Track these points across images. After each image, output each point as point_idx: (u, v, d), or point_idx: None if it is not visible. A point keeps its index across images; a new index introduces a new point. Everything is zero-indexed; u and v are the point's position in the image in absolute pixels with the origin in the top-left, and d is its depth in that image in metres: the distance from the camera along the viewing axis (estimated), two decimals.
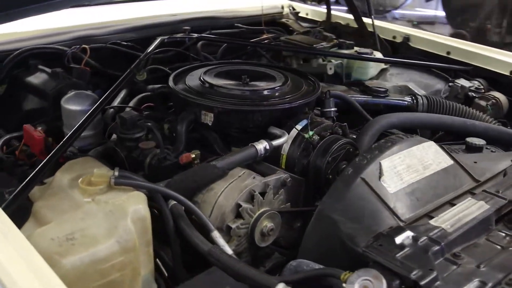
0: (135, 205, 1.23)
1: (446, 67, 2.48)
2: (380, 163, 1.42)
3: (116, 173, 1.30)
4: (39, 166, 1.38)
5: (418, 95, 2.15)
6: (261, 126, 1.70)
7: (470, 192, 1.46)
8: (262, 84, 1.87)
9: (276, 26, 2.99)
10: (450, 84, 2.36)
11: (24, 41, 2.11)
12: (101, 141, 1.81)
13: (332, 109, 1.90)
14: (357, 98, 2.05)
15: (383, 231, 1.24)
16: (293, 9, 3.34)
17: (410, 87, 2.43)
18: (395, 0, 7.36)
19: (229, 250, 1.28)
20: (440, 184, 1.48)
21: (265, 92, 1.80)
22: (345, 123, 1.70)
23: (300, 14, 3.33)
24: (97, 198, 1.26)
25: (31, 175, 1.35)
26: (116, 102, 1.98)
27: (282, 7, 3.17)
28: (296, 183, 1.55)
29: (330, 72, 2.47)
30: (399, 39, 2.84)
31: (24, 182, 1.33)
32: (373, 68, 2.60)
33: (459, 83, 2.37)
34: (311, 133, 1.62)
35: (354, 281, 1.07)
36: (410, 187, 1.42)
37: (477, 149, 1.82)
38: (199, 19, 2.67)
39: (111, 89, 1.73)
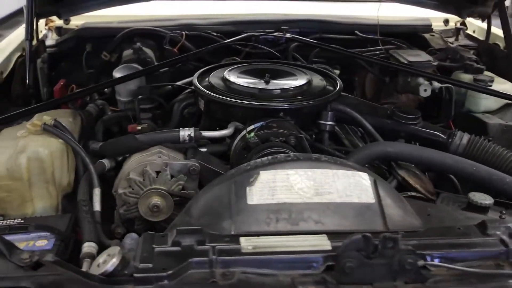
0: (36, 148, 1.51)
1: None
2: (259, 173, 1.35)
3: (52, 122, 1.61)
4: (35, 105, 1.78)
5: (457, 133, 1.78)
6: (242, 121, 1.75)
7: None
8: (280, 82, 1.89)
9: (411, 39, 2.75)
10: None
11: (137, 22, 2.58)
12: None
13: (328, 122, 1.77)
14: (371, 120, 1.83)
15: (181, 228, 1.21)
16: (464, 24, 3.00)
17: None
18: None
19: (96, 207, 1.45)
20: (330, 215, 1.30)
21: (255, 91, 1.82)
22: (301, 135, 1.61)
23: (468, 31, 2.98)
24: (26, 135, 1.58)
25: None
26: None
27: (430, 21, 2.88)
28: (216, 176, 1.57)
29: (425, 94, 2.23)
30: None
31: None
32: (489, 100, 2.23)
33: None
34: (252, 134, 1.61)
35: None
36: (277, 206, 1.30)
37: (481, 209, 1.47)
38: (308, 21, 2.69)
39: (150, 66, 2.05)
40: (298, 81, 1.91)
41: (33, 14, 2.09)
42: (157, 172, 1.53)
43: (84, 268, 1.19)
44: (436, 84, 2.24)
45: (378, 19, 2.57)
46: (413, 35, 2.79)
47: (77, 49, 2.54)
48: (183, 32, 2.50)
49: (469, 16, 2.80)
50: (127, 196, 1.52)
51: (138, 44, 2.41)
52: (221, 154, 1.71)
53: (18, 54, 2.20)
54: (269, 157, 1.39)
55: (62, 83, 2.06)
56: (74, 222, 1.39)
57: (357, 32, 2.67)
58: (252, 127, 1.64)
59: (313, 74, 2.04)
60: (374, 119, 1.83)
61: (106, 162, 1.64)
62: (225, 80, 1.89)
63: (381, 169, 1.77)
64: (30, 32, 2.09)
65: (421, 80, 2.24)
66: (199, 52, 2.26)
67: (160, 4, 2.77)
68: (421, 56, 2.37)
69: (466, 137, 1.75)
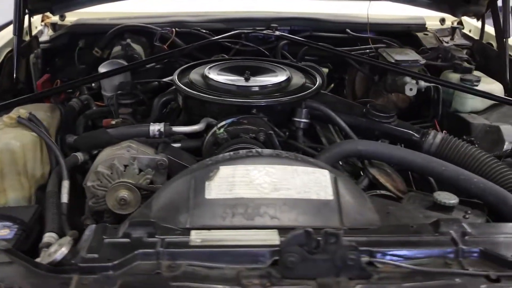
0: (8, 140, 1.55)
1: None
2: (219, 168, 1.37)
3: (26, 115, 1.64)
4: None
5: (430, 132, 1.77)
6: (217, 117, 1.77)
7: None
8: (259, 79, 1.91)
9: (404, 38, 2.74)
10: None
11: (129, 19, 2.61)
12: None
13: (302, 120, 1.78)
14: (346, 118, 1.83)
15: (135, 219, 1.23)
16: (461, 24, 2.97)
17: (502, 130, 1.99)
18: None
19: (64, 199, 1.48)
20: (286, 211, 1.31)
21: (232, 88, 1.84)
22: (271, 132, 1.62)
23: (464, 30, 2.94)
24: (2, 127, 1.62)
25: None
26: None
27: (424, 20, 2.86)
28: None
29: (410, 93, 2.22)
30: None
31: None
32: (475, 100, 2.21)
33: None
34: (222, 130, 1.62)
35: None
36: (234, 201, 1.32)
37: (445, 208, 1.46)
38: (299, 19, 2.69)
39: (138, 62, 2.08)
40: (278, 78, 1.92)
41: (21, 9, 2.13)
42: (126, 166, 1.55)
43: (40, 257, 1.22)
44: (423, 84, 2.22)
45: (368, 18, 2.56)
46: (406, 34, 2.77)
47: (70, 45, 2.59)
48: (174, 29, 2.53)
49: (463, 15, 2.78)
50: (95, 189, 1.55)
51: (128, 40, 2.45)
52: (196, 150, 1.72)
53: (9, 49, 2.25)
54: (231, 153, 1.40)
55: (46, 78, 2.10)
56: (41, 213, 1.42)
57: (348, 30, 2.66)
58: (223, 123, 1.66)
59: (296, 72, 2.04)
60: (349, 117, 1.82)
61: (80, 155, 1.68)
62: (204, 76, 1.91)
63: (357, 167, 1.78)
64: (18, 27, 2.13)
65: (407, 79, 2.23)
66: (185, 49, 2.29)
67: (153, 2, 2.81)
68: (409, 55, 2.35)
69: (439, 136, 1.74)
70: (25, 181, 1.59)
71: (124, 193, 1.52)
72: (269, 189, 1.34)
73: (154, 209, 1.33)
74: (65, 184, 1.51)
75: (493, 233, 1.23)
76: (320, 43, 2.43)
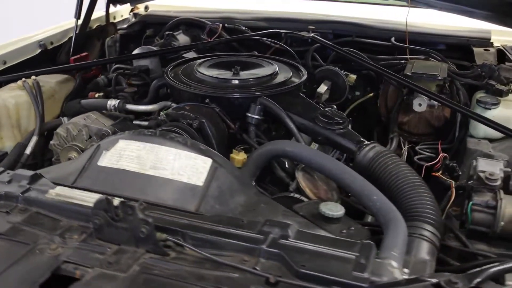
0: (6, 98, 1.94)
1: None
2: (118, 140, 1.54)
3: (31, 82, 2.01)
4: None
5: (368, 145, 1.68)
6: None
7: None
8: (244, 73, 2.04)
9: (459, 52, 2.52)
10: None
11: (189, 12, 2.88)
12: None
13: (255, 116, 1.84)
14: (299, 120, 1.82)
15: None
16: None
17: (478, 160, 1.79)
18: None
19: (27, 150, 1.81)
20: (154, 188, 1.44)
21: (214, 80, 1.97)
22: (203, 120, 1.73)
23: None
24: (13, 88, 2.01)
25: None
26: None
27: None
28: None
29: (419, 108, 2.13)
30: None
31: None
32: None
33: None
34: (163, 113, 1.79)
35: None
36: (117, 171, 1.48)
37: (328, 219, 1.42)
38: (342, 23, 2.64)
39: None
40: (262, 72, 2.00)
41: None
42: (79, 132, 1.82)
43: None
44: (434, 102, 2.08)
45: (406, 26, 2.42)
46: (461, 48, 2.53)
47: (141, 33, 2.96)
48: (220, 24, 2.72)
49: None
50: (55, 148, 1.85)
51: (180, 31, 2.74)
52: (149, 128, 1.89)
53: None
54: (136, 130, 1.56)
55: (79, 56, 2.46)
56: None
57: (393, 39, 2.54)
58: (173, 107, 1.82)
59: (288, 71, 2.09)
60: (302, 120, 1.81)
61: (65, 120, 1.99)
62: (192, 68, 2.08)
63: None
64: (79, 12, 2.54)
65: (419, 95, 2.10)
66: (209, 43, 2.48)
67: None
68: (432, 69, 2.19)
69: (375, 150, 1.63)
70: (18, 134, 1.95)
71: (72, 154, 1.79)
72: (149, 166, 1.47)
73: (61, 166, 1.56)
74: (33, 139, 1.83)
75: (316, 242, 1.19)
76: (348, 49, 2.39)
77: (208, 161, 1.48)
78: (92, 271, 1.13)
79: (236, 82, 1.95)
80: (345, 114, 1.87)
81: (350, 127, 1.85)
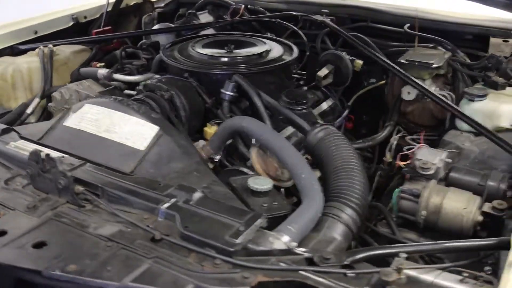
0: (21, 63, 2.16)
1: None
2: (84, 104, 1.70)
3: (47, 50, 2.22)
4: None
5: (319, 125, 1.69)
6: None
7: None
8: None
9: (474, 42, 2.39)
10: None
11: None
12: None
13: (228, 92, 1.91)
14: (267, 99, 1.86)
15: None
16: None
17: None
18: None
19: (29, 110, 2.03)
20: (100, 148, 1.58)
21: (204, 57, 2.08)
22: (172, 92, 1.84)
23: None
24: (31, 55, 2.25)
25: None
26: None
27: None
28: None
29: (408, 97, 2.10)
30: None
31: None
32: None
33: None
34: (142, 83, 1.92)
35: None
36: (77, 132, 1.64)
37: (255, 193, 1.48)
38: (358, 8, 2.59)
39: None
40: (253, 51, 2.07)
41: None
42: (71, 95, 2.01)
43: None
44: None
45: (417, 13, 2.33)
46: (482, 37, 2.39)
47: (175, 12, 3.11)
48: (242, 5, 2.79)
49: None
50: (52, 110, 2.05)
51: (206, 11, 2.86)
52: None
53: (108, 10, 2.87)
54: (103, 96, 1.71)
55: (100, 30, 2.65)
56: None
57: (405, 27, 2.45)
58: (155, 78, 1.95)
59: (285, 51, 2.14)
60: (270, 99, 1.85)
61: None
62: (186, 47, 2.19)
63: None
64: None
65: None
66: (218, 23, 2.60)
67: None
68: (429, 57, 2.11)
69: (325, 131, 1.63)
70: (29, 96, 2.17)
71: None
72: (103, 129, 1.62)
73: (38, 124, 1.75)
74: (35, 100, 2.05)
75: (213, 209, 1.26)
76: (356, 34, 2.37)
77: (155, 129, 1.59)
78: (13, 213, 1.29)
79: (219, 60, 2.03)
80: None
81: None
